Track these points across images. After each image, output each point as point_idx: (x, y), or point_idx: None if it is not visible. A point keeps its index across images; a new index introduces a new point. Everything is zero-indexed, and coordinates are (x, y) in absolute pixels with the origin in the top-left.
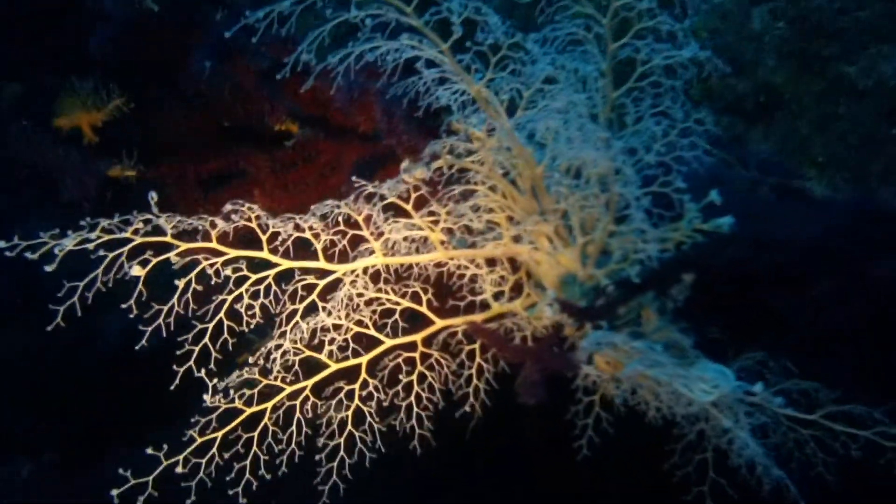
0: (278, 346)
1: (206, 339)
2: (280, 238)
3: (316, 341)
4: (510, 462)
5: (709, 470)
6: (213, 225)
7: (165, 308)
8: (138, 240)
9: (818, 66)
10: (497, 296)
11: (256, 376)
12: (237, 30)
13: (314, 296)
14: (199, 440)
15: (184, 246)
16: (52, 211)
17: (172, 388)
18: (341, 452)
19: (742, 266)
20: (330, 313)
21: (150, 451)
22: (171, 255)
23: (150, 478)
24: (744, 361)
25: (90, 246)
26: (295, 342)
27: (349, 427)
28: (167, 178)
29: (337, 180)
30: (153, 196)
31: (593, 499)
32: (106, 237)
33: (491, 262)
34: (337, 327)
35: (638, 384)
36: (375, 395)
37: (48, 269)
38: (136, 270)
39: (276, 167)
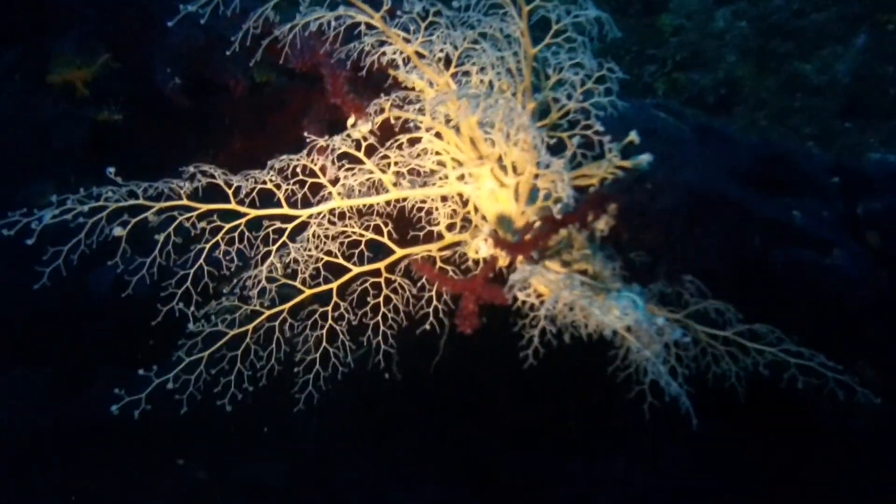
0: (255, 277)
1: (189, 283)
2: (244, 191)
3: (289, 272)
4: (465, 373)
5: (648, 372)
6: (180, 186)
7: (148, 260)
8: (112, 206)
9: (776, 62)
10: (450, 227)
11: (237, 303)
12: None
13: (285, 237)
14: (188, 359)
15: (157, 206)
16: (47, 160)
17: (154, 323)
18: (317, 366)
19: (651, 202)
20: (300, 249)
21: (141, 371)
22: (149, 214)
23: (143, 394)
24: (665, 284)
25: (69, 217)
26: (270, 272)
27: (324, 343)
28: (151, 126)
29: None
30: (111, 171)
31: (543, 402)
32: (80, 207)
33: (443, 198)
34: (308, 258)
35: (569, 308)
36: (346, 315)
37: (29, 242)
38: (118, 231)
39: (254, 112)
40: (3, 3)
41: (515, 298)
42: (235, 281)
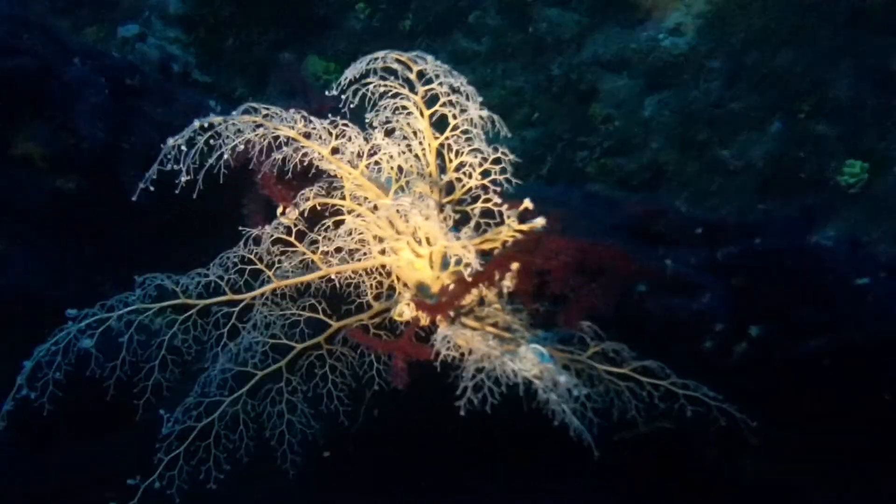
0: (218, 370)
1: (157, 373)
2: (191, 287)
3: (241, 360)
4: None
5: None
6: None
7: (118, 362)
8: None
9: (696, 149)
10: (377, 297)
11: (199, 398)
12: None
13: (233, 319)
14: (167, 458)
15: (115, 314)
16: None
17: (137, 419)
18: (287, 435)
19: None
20: (249, 332)
21: (130, 481)
22: (112, 321)
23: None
24: (565, 330)
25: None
26: (226, 366)
27: (286, 416)
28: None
29: None
30: (71, 313)
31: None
32: (54, 347)
33: (368, 271)
34: (254, 344)
35: (486, 358)
36: (299, 388)
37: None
38: (87, 343)
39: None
40: None
41: (439, 354)
42: (195, 379)
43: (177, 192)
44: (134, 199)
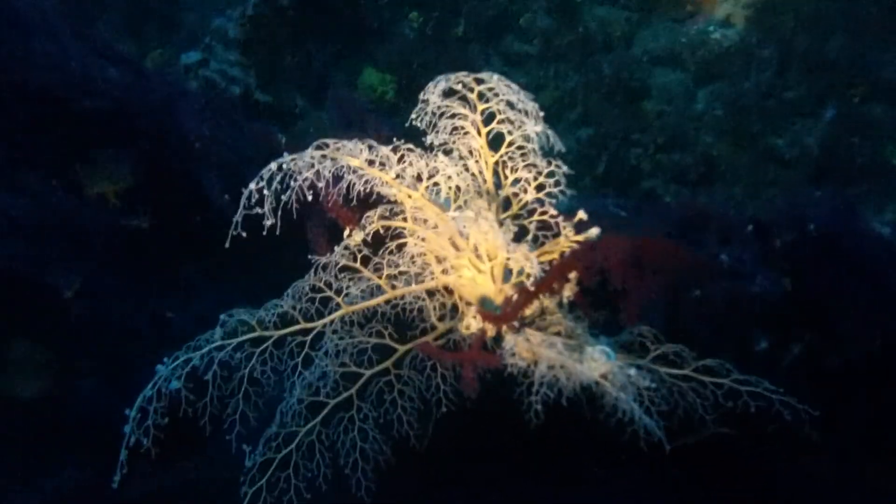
0: (294, 401)
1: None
2: (267, 319)
3: (313, 390)
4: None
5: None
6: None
7: (206, 400)
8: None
9: (749, 140)
10: (441, 318)
11: (277, 429)
12: None
13: (306, 348)
14: (251, 491)
15: (198, 354)
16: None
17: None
18: (360, 463)
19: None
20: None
21: None
22: (195, 360)
23: None
24: (628, 335)
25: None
26: (300, 396)
27: (359, 444)
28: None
29: None
30: (160, 368)
31: (546, 452)
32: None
33: (431, 293)
34: (327, 372)
35: (551, 366)
36: (370, 414)
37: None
38: (175, 385)
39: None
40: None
41: (507, 365)
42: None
43: (264, 233)
44: (229, 241)
